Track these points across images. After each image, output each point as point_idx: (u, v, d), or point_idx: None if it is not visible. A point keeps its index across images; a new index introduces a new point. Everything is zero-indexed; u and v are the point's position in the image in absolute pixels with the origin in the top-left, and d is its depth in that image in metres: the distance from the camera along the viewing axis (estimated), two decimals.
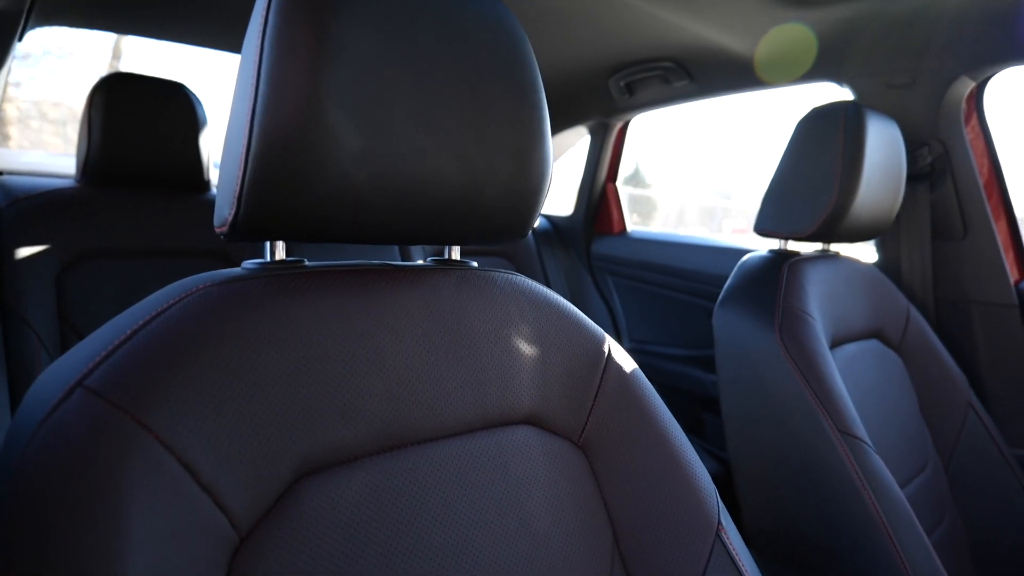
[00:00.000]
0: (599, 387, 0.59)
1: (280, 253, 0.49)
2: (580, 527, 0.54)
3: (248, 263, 0.48)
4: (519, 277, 0.60)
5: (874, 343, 1.10)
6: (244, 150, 0.40)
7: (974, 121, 1.22)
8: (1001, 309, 1.24)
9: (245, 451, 0.38)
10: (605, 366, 0.59)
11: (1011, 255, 1.26)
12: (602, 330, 0.62)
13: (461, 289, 0.54)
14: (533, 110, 0.51)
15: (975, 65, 1.15)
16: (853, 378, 0.99)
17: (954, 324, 1.27)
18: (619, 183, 2.04)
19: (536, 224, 1.65)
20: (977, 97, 1.21)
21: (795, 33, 1.27)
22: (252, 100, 0.40)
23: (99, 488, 0.32)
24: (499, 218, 0.52)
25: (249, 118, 0.40)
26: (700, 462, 0.60)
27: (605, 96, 1.74)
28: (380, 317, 0.48)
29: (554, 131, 1.91)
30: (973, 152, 1.22)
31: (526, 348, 0.56)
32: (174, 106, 1.23)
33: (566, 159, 2.06)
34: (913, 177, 1.27)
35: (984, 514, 1.11)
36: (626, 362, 0.61)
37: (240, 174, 0.40)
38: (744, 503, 0.93)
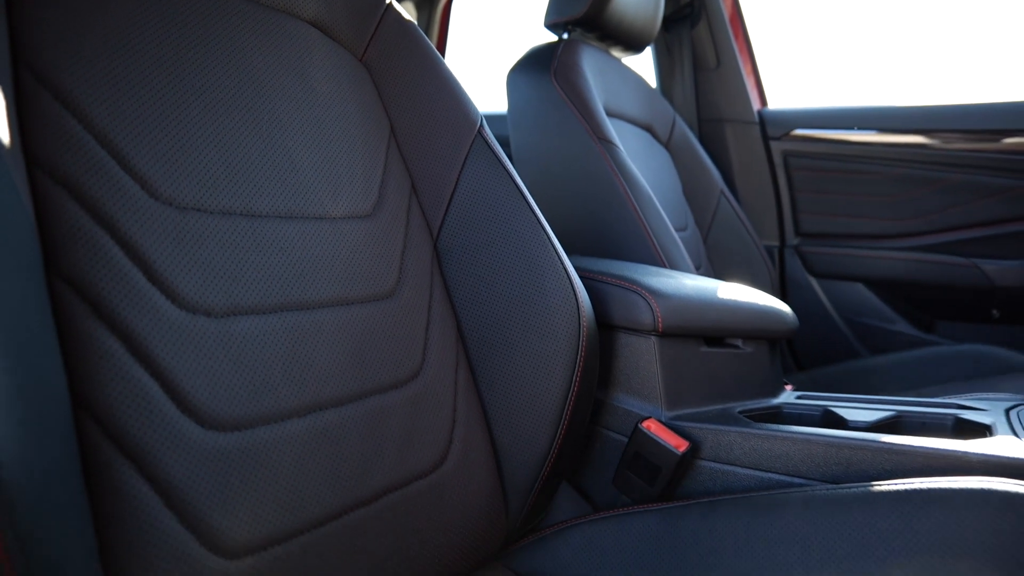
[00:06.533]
0: (381, 19, 0.70)
1: None
2: (359, 108, 0.65)
3: None
4: None
5: (646, 134, 1.31)
6: None
7: None
8: (747, 127, 1.53)
9: None
10: (387, 7, 0.70)
11: (754, 85, 1.56)
12: None
13: None
14: None
15: None
16: (629, 150, 1.19)
17: (713, 138, 1.54)
18: None
19: None
20: None
21: None
22: None
23: None
24: None
25: None
26: (465, 92, 0.73)
27: None
28: None
29: None
30: None
31: None
32: None
33: None
34: (678, 19, 1.52)
35: (731, 272, 1.38)
36: (406, 14, 0.72)
37: None
38: None
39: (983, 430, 0.59)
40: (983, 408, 0.65)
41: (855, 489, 0.53)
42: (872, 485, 0.52)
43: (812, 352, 1.43)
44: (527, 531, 0.68)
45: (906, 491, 0.50)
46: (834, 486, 0.55)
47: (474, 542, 0.60)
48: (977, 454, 0.52)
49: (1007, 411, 0.63)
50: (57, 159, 0.40)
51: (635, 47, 1.30)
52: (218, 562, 0.40)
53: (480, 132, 0.70)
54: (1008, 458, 0.51)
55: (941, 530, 0.47)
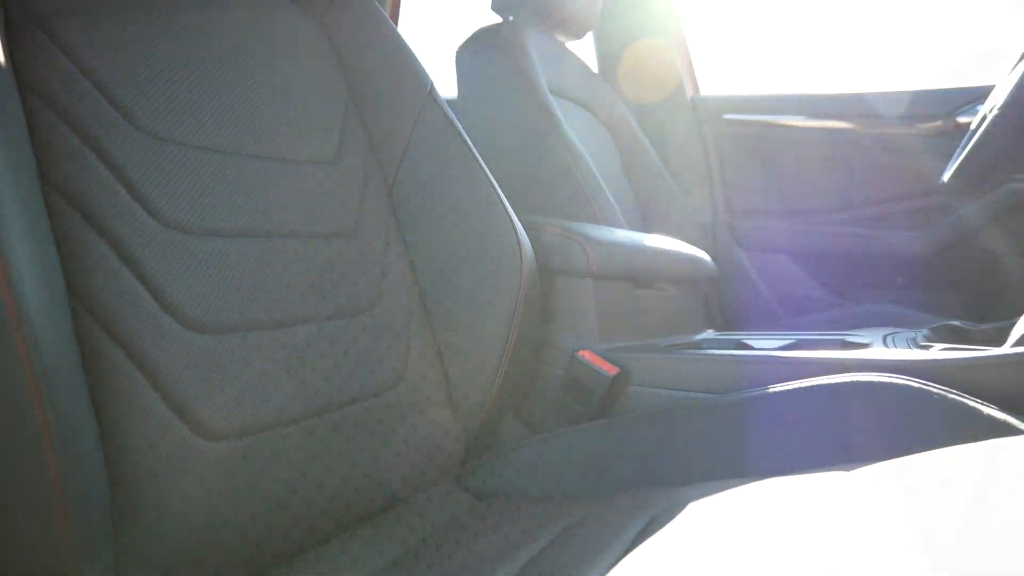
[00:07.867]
0: None
1: None
2: (319, 66, 0.70)
3: None
4: None
5: (587, 114, 1.40)
6: None
7: None
8: (682, 112, 1.64)
9: None
10: None
11: (688, 72, 1.67)
12: None
13: None
14: None
15: None
16: (571, 128, 1.27)
17: (650, 122, 1.64)
18: None
19: None
20: None
21: None
22: None
23: None
24: None
25: None
26: (417, 57, 0.79)
27: None
28: None
29: None
30: None
31: None
32: None
33: None
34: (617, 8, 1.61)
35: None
36: None
37: None
38: None
39: (863, 346, 0.70)
40: (866, 334, 0.76)
41: (755, 392, 0.62)
42: (769, 387, 0.61)
43: (740, 318, 1.55)
44: (477, 455, 0.75)
45: (796, 388, 0.59)
46: (739, 392, 0.64)
47: (428, 458, 0.67)
48: (854, 359, 0.62)
49: (884, 336, 0.74)
50: (48, 86, 0.45)
51: (576, 33, 1.38)
52: (200, 441, 0.45)
53: (431, 93, 0.76)
54: (876, 359, 0.61)
55: (825, 414, 0.56)
